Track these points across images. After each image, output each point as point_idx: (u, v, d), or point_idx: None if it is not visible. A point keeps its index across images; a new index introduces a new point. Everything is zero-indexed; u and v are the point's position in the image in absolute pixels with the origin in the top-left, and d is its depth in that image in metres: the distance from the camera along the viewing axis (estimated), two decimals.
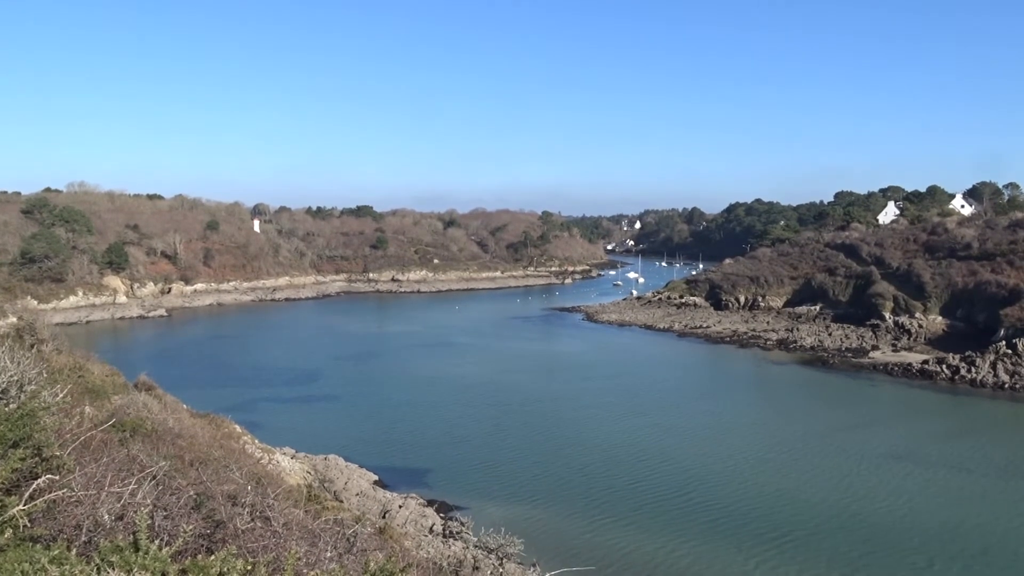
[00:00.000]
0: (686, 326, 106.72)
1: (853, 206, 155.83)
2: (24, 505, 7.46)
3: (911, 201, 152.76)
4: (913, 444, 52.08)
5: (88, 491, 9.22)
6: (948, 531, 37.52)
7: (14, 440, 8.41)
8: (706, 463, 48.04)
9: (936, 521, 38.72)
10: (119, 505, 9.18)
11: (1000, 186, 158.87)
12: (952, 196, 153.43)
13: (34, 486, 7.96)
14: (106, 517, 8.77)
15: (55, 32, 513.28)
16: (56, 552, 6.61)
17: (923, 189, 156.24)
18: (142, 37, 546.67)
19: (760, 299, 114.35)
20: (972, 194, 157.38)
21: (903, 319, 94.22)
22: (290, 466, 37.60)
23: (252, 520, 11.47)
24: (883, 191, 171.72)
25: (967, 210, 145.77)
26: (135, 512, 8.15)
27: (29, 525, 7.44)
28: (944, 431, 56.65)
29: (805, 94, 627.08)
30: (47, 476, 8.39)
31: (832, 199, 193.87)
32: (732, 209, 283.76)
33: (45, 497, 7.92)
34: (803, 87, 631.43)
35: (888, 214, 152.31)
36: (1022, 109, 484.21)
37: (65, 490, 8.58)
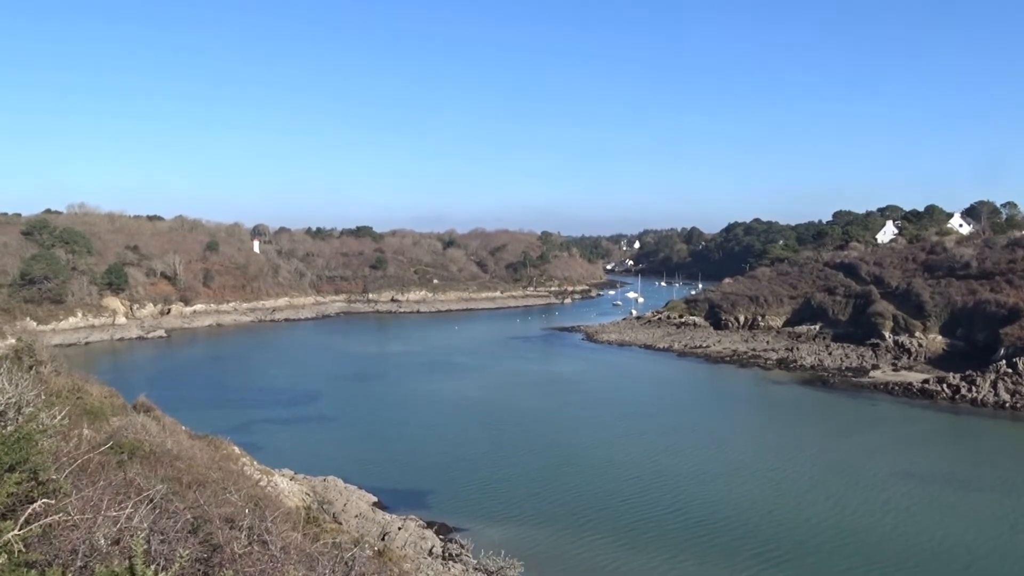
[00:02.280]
0: (686, 346, 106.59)
1: (851, 225, 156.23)
2: (20, 530, 7.41)
3: (909, 220, 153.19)
4: (911, 463, 51.86)
5: (84, 515, 9.16)
6: (940, 548, 37.55)
7: (10, 463, 8.37)
8: (703, 481, 47.98)
9: (929, 538, 38.70)
10: (115, 529, 9.12)
11: (998, 205, 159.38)
12: (950, 215, 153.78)
13: (30, 510, 7.91)
14: (102, 542, 8.70)
15: (55, 54, 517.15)
16: None
17: (921, 208, 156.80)
18: (141, 58, 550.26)
19: (760, 318, 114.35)
20: (970, 213, 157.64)
21: (903, 338, 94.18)
22: (289, 488, 37.35)
23: (250, 544, 11.39)
24: (881, 210, 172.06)
25: (965, 229, 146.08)
26: (132, 536, 8.10)
27: (24, 550, 7.38)
28: (942, 450, 56.55)
29: (803, 113, 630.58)
30: (43, 500, 8.34)
31: (830, 218, 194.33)
32: (731, 228, 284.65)
33: (41, 521, 7.88)
34: (801, 106, 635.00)
35: (886, 233, 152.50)
36: (1021, 119, 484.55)
37: (61, 514, 8.53)
